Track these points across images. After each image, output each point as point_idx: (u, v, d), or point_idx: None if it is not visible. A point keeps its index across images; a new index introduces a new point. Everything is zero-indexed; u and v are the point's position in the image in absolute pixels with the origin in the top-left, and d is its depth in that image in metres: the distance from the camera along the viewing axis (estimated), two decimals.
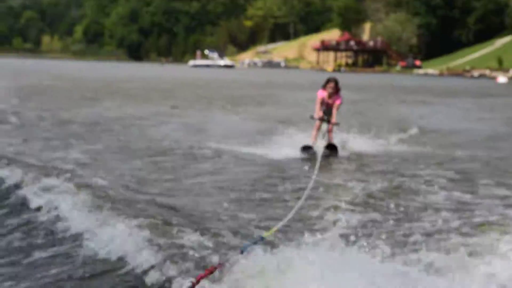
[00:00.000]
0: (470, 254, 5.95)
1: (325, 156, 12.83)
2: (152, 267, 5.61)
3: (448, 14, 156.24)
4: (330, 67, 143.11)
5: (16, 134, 15.47)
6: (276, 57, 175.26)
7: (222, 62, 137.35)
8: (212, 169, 11.51)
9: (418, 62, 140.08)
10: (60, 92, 34.77)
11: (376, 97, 38.59)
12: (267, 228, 6.72)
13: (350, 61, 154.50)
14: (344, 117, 14.37)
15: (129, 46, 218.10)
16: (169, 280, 5.32)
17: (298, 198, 8.05)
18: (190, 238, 6.26)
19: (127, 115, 21.35)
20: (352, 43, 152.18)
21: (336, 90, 13.66)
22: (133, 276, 5.65)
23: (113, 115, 21.09)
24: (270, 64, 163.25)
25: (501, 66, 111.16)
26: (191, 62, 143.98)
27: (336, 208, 8.24)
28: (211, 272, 4.91)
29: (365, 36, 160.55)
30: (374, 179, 10.50)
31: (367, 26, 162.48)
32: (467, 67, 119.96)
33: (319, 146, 13.25)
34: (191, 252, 5.79)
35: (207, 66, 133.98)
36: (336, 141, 13.81)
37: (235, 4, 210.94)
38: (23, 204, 8.18)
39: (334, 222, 7.34)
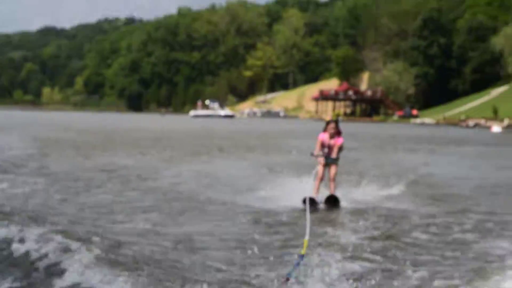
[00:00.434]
0: None
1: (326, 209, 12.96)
2: None
3: (445, 64, 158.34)
4: (328, 116, 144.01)
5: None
6: (276, 107, 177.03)
7: (222, 112, 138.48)
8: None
9: (415, 112, 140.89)
10: (72, 143, 35.80)
11: (373, 146, 39.78)
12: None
13: (348, 110, 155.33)
14: (341, 165, 14.37)
15: (129, 96, 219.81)
16: None
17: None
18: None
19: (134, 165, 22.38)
20: (350, 92, 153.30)
21: (337, 131, 13.87)
22: None
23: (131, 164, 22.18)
24: (269, 114, 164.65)
25: (496, 116, 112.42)
26: (192, 112, 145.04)
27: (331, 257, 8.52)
28: None
29: (363, 86, 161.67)
30: (366, 229, 10.90)
31: (365, 76, 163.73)
32: (463, 117, 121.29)
33: (319, 197, 13.31)
34: None
35: (208, 116, 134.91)
36: (338, 192, 13.76)
37: (234, 55, 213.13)
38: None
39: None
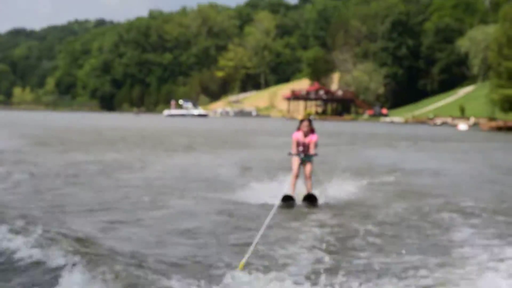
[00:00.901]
0: None
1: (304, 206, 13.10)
2: None
3: (414, 65, 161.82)
4: (300, 115, 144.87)
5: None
6: (248, 106, 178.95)
7: (196, 111, 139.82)
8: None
9: (385, 111, 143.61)
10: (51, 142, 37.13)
11: (345, 143, 41.85)
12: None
13: (319, 109, 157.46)
14: (315, 162, 14.31)
15: (102, 97, 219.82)
16: None
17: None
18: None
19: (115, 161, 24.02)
20: (321, 92, 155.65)
21: (311, 129, 13.81)
22: None
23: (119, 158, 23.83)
24: (242, 113, 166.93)
25: (463, 115, 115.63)
26: (166, 112, 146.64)
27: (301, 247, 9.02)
28: None
29: (334, 86, 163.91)
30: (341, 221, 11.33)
31: (336, 76, 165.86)
32: (431, 115, 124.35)
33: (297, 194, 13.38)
34: None
35: (182, 115, 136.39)
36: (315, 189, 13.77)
37: (206, 56, 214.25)
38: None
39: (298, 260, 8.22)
